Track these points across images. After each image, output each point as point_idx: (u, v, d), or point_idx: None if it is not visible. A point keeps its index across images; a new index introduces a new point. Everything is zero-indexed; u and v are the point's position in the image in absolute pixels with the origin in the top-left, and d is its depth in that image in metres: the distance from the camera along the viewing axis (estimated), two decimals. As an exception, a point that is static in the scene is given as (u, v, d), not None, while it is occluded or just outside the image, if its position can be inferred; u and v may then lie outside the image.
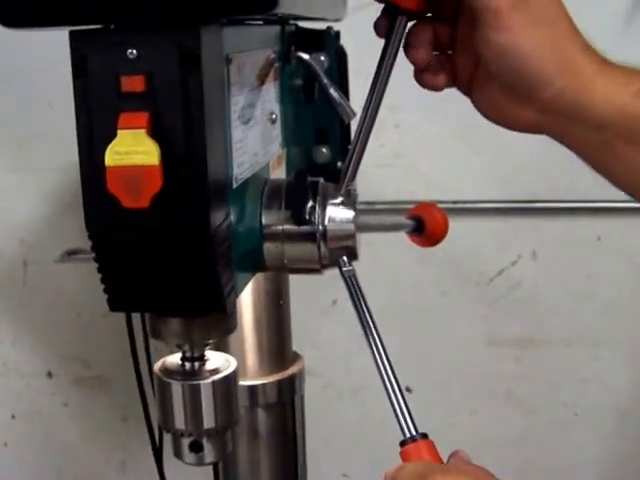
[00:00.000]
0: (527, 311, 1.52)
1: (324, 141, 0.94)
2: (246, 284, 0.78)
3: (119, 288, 0.69)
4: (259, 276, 0.85)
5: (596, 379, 1.54)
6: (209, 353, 0.80)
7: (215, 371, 0.79)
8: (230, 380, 0.79)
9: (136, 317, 1.16)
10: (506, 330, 1.52)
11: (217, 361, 0.80)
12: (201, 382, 0.78)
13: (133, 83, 0.61)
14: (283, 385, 1.04)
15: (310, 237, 0.77)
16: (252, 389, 1.02)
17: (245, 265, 0.76)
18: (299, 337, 1.10)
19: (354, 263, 0.80)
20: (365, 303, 0.77)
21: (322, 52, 0.91)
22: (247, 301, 1.00)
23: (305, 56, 0.85)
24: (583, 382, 1.54)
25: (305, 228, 0.77)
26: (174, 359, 0.80)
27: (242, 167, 0.72)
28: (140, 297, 0.70)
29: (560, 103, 0.73)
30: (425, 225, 0.97)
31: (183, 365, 0.79)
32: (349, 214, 0.77)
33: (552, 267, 1.50)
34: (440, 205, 1.41)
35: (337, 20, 0.98)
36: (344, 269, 0.79)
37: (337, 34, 0.94)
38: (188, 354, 0.79)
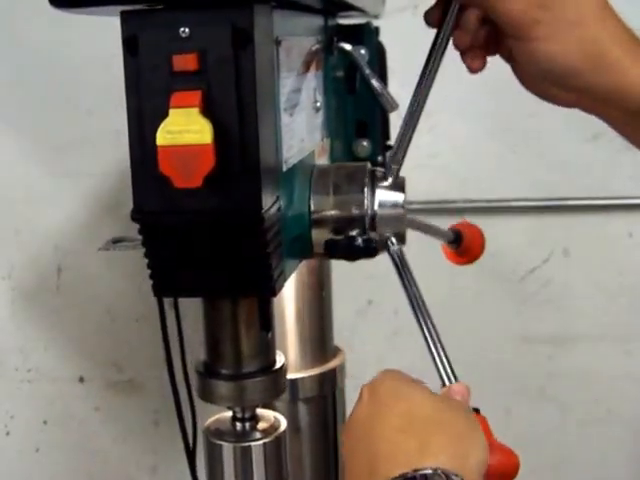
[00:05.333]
0: (559, 308, 1.50)
1: (364, 134, 0.93)
2: (294, 270, 0.76)
3: (167, 272, 0.67)
4: (301, 267, 0.83)
5: (628, 375, 1.51)
6: (258, 411, 0.78)
7: (266, 432, 0.77)
8: (280, 440, 0.78)
9: (170, 320, 1.14)
10: (539, 328, 1.51)
11: (267, 420, 0.79)
12: (252, 444, 0.76)
13: (185, 62, 0.60)
14: (324, 378, 1.02)
15: (359, 222, 0.75)
16: (293, 383, 1.00)
17: (293, 250, 0.74)
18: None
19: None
20: (414, 280, 0.75)
21: (362, 46, 0.90)
22: (289, 293, 0.98)
23: (347, 47, 0.84)
24: (615, 378, 1.52)
25: (354, 212, 0.75)
26: (224, 419, 0.78)
27: (291, 151, 0.71)
28: (189, 281, 0.67)
29: (595, 92, 0.74)
30: (462, 239, 0.96)
31: (234, 426, 0.77)
32: (399, 198, 0.75)
33: (584, 264, 1.48)
34: (473, 204, 1.43)
35: (376, 17, 0.97)
36: (392, 249, 0.77)
37: (377, 29, 0.94)
38: (239, 415, 0.77)
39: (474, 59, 0.79)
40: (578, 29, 0.71)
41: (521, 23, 0.71)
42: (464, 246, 0.97)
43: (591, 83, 0.73)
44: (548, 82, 0.75)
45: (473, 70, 0.79)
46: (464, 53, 0.79)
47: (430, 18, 0.77)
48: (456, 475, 0.61)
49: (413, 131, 0.77)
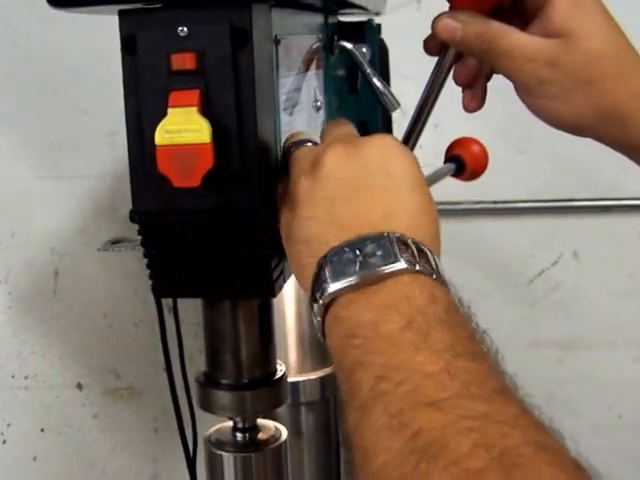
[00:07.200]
0: (569, 312, 1.51)
1: (366, 134, 0.94)
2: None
3: (167, 272, 0.69)
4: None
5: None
6: (259, 421, 0.80)
7: (267, 442, 0.78)
8: (281, 450, 0.79)
9: (170, 326, 1.15)
10: (548, 331, 1.52)
11: (268, 430, 0.80)
12: (253, 454, 0.78)
13: (184, 61, 0.62)
14: (325, 382, 1.03)
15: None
16: (294, 386, 1.01)
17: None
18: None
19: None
20: None
21: (364, 44, 0.91)
22: (289, 295, 1.00)
23: (348, 45, 0.85)
24: (626, 384, 1.53)
25: None
26: (224, 429, 0.80)
27: (291, 151, 0.72)
28: (188, 281, 0.69)
29: (607, 141, 0.74)
30: (465, 164, 0.96)
31: (234, 436, 0.79)
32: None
33: (594, 266, 1.49)
34: (480, 205, 1.43)
35: (377, 14, 0.98)
36: None
37: (378, 26, 0.95)
38: (239, 425, 0.79)
39: (472, 100, 0.79)
40: (590, 87, 0.71)
41: (529, 83, 0.71)
42: (469, 169, 0.97)
43: (603, 134, 0.73)
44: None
45: (468, 110, 0.80)
46: (465, 88, 0.79)
47: (428, 48, 0.77)
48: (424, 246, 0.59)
49: (417, 138, 0.79)
